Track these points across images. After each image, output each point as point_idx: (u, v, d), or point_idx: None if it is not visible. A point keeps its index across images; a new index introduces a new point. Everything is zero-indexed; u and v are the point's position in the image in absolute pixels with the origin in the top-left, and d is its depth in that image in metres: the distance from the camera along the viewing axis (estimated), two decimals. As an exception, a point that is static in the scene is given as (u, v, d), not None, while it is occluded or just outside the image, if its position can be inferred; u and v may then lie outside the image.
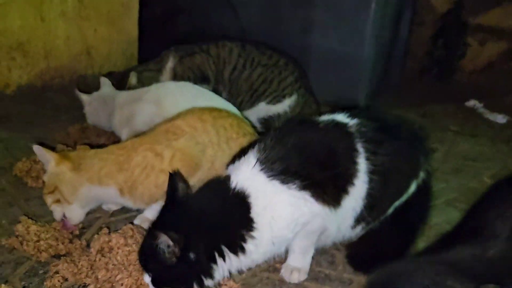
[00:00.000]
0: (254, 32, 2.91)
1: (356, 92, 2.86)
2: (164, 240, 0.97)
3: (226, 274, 1.08)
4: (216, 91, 2.25)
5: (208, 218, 1.06)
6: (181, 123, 1.39)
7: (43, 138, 1.87)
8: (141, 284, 1.08)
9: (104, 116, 1.95)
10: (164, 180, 1.22)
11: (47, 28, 2.44)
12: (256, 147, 1.14)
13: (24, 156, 1.68)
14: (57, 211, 1.31)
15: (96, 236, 1.23)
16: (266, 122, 2.22)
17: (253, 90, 2.19)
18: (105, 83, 2.02)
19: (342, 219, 1.17)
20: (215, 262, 1.04)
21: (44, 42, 2.46)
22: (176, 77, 2.27)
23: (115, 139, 1.96)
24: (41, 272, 1.15)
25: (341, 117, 1.24)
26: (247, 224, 1.05)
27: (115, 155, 1.31)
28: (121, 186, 1.29)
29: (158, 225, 1.06)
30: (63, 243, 1.22)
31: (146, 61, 2.40)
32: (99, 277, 1.10)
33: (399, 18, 3.38)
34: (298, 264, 1.20)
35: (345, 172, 1.14)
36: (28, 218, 1.31)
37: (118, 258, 1.14)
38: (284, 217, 1.08)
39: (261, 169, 1.09)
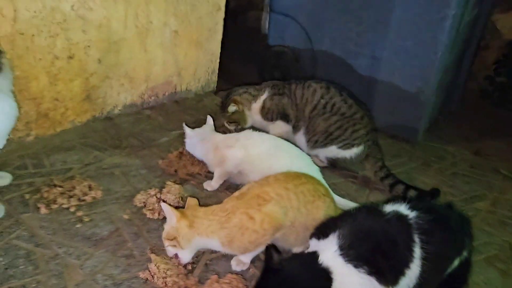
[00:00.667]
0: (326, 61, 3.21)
1: (417, 125, 3.10)
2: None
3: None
4: (296, 127, 2.62)
5: (299, 285, 1.42)
6: (269, 190, 1.74)
7: (149, 166, 2.34)
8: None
9: (200, 151, 2.34)
10: (255, 238, 1.66)
11: (149, 57, 2.84)
12: (337, 233, 1.47)
13: (139, 183, 2.15)
14: (171, 251, 1.73)
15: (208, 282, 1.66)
16: (333, 161, 2.59)
17: (328, 133, 2.51)
18: (209, 122, 2.40)
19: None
20: None
21: (145, 69, 2.86)
22: (263, 108, 2.69)
23: (206, 170, 2.38)
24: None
25: (403, 209, 1.55)
26: None
27: (219, 217, 1.69)
28: (222, 240, 1.69)
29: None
30: (182, 280, 1.65)
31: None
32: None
33: (466, 48, 3.49)
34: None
35: (404, 258, 1.47)
36: (152, 252, 1.76)
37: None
38: None
39: (340, 254, 1.43)
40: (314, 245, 1.54)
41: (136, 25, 2.66)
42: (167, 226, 1.73)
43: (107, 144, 2.52)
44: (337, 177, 2.55)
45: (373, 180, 2.55)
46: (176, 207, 1.75)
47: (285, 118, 2.64)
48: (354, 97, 2.56)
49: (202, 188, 2.26)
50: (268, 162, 2.11)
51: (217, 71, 3.46)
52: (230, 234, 1.68)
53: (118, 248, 1.79)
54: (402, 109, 3.05)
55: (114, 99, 2.77)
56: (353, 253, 1.42)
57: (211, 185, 2.26)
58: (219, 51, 3.38)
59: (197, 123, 2.49)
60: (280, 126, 2.67)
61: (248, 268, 1.77)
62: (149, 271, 1.68)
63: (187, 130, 2.34)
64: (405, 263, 1.47)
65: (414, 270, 1.48)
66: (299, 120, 2.61)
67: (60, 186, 2.06)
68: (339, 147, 2.52)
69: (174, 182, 2.25)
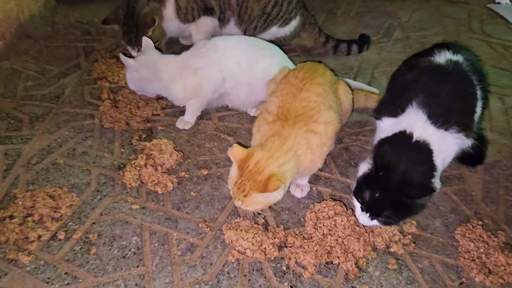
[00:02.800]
0: None
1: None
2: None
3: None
4: (223, 19, 2.17)
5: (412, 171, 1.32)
6: (309, 95, 1.46)
7: (87, 132, 1.70)
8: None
9: (154, 85, 1.79)
10: (325, 150, 1.45)
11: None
12: (416, 103, 1.36)
13: (102, 160, 1.57)
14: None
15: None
16: (272, 42, 2.28)
17: (267, 14, 2.16)
18: (148, 43, 1.79)
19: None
20: None
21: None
22: (179, 9, 2.09)
23: (159, 106, 1.88)
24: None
25: (453, 56, 1.49)
26: (434, 165, 1.35)
27: (287, 148, 1.37)
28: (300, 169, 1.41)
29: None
30: (269, 237, 1.37)
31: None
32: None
33: None
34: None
35: (473, 104, 1.47)
36: (207, 226, 1.39)
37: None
38: (451, 154, 1.41)
39: (431, 123, 1.35)
40: (392, 123, 1.41)
41: None
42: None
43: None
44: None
45: (311, 47, 2.41)
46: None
47: (208, 11, 2.14)
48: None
49: (178, 130, 1.79)
50: (251, 69, 1.74)
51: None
52: (305, 158, 1.41)
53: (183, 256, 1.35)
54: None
55: None
56: (440, 118, 1.36)
57: (187, 121, 1.80)
58: None
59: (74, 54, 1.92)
60: (206, 23, 2.16)
61: (311, 189, 1.57)
62: (237, 251, 1.33)
63: (129, 61, 1.72)
64: (474, 107, 1.48)
65: (478, 112, 1.52)
66: (224, 11, 2.16)
67: (11, 216, 1.36)
68: (279, 26, 2.23)
69: (139, 138, 1.72)
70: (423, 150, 1.33)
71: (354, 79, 2.16)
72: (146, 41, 1.80)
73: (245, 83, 1.75)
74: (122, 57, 1.74)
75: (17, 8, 2.18)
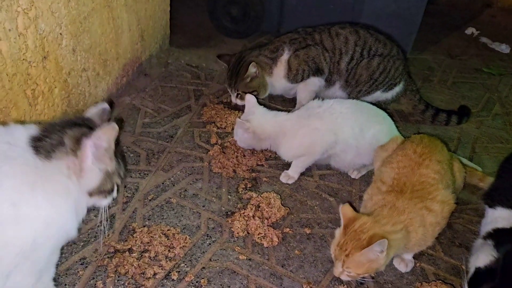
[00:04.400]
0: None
1: (407, 44, 2.93)
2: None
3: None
4: (329, 81, 2.25)
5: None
6: (428, 172, 1.47)
7: (198, 175, 1.81)
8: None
9: (263, 142, 1.89)
10: (438, 229, 1.43)
11: (117, 24, 2.05)
12: None
13: (210, 205, 1.65)
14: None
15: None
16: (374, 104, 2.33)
17: (373, 80, 2.22)
18: (250, 100, 1.90)
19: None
20: None
21: (115, 42, 2.08)
22: (290, 71, 2.21)
23: (263, 157, 1.95)
24: None
25: None
26: None
27: (401, 222, 1.38)
28: (409, 245, 1.41)
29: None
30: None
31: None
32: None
33: None
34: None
35: None
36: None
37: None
38: None
39: None
40: (509, 215, 1.38)
41: (98, -15, 1.84)
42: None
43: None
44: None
45: (408, 112, 2.42)
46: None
47: (318, 72, 2.23)
48: (377, 30, 2.28)
49: (281, 183, 1.85)
50: (362, 134, 1.78)
51: (169, 23, 2.74)
52: (416, 236, 1.40)
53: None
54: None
55: (93, 95, 1.99)
56: None
57: (291, 176, 1.86)
58: (168, -2, 2.65)
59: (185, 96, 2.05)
60: (314, 84, 2.25)
61: (414, 264, 1.54)
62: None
63: (245, 124, 1.82)
64: None
65: None
66: (332, 74, 2.24)
67: (130, 250, 1.46)
68: (383, 91, 2.28)
69: (245, 187, 1.79)
70: None
71: (455, 152, 2.14)
72: (249, 98, 1.90)
73: (354, 146, 1.79)
74: (239, 121, 1.85)
75: (142, 48, 2.39)
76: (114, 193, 1.22)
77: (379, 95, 2.29)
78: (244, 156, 1.94)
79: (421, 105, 2.36)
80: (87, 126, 1.14)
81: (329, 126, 1.77)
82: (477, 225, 1.72)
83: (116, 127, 1.10)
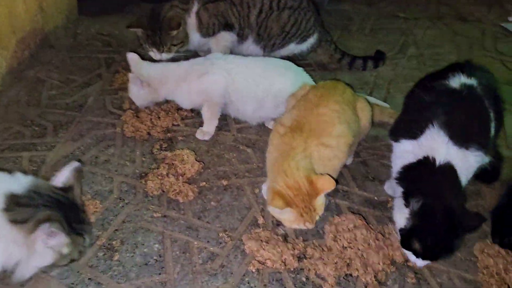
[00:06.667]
0: None
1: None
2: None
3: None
4: (241, 36, 2.22)
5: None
6: (325, 111, 1.50)
7: (110, 140, 1.75)
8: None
9: (163, 92, 1.87)
10: (338, 163, 1.49)
11: None
12: (436, 125, 1.37)
13: (123, 168, 1.61)
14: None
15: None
16: (289, 59, 2.32)
17: (286, 33, 2.21)
18: (134, 58, 1.84)
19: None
20: None
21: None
22: (201, 24, 2.17)
23: (179, 117, 1.92)
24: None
25: (467, 80, 1.52)
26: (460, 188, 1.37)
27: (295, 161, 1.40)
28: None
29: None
30: (290, 248, 1.38)
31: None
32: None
33: None
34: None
35: (488, 125, 1.49)
36: (228, 236, 1.41)
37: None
38: (472, 172, 1.42)
39: (454, 144, 1.36)
40: (413, 146, 1.42)
41: None
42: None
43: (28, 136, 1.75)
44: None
45: (326, 62, 2.45)
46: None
47: (228, 27, 2.19)
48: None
49: (197, 140, 1.82)
50: (261, 87, 1.79)
51: None
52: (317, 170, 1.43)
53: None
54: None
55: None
56: (460, 138, 1.38)
57: (206, 131, 1.83)
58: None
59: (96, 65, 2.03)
60: (225, 38, 2.21)
61: (329, 201, 1.58)
62: (257, 261, 1.35)
63: (137, 78, 1.81)
64: (489, 128, 1.50)
65: (492, 131, 1.53)
66: (243, 28, 2.21)
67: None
68: (297, 43, 2.28)
69: (160, 147, 1.76)
70: (450, 175, 1.34)
71: (370, 94, 2.19)
72: (131, 56, 1.84)
73: (252, 97, 1.80)
74: (131, 75, 1.83)
75: (43, 20, 2.24)
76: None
77: (293, 48, 2.29)
78: (159, 118, 1.89)
79: (337, 54, 2.39)
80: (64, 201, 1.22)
81: (223, 74, 1.78)
82: (390, 159, 1.79)
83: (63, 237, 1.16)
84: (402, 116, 1.64)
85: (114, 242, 1.37)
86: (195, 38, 2.20)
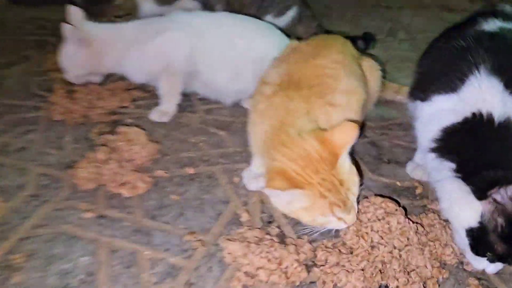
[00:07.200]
0: None
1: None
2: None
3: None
4: (206, 5, 1.83)
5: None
6: (325, 62, 1.11)
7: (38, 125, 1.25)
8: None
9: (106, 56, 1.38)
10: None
11: None
12: (484, 69, 1.00)
13: (49, 157, 1.12)
14: None
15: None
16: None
17: (259, 2, 1.84)
18: (76, 12, 1.35)
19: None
20: None
21: None
22: None
23: (127, 97, 1.46)
24: None
25: (503, 24, 1.16)
26: None
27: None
28: None
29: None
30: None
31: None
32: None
33: None
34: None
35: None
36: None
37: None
38: None
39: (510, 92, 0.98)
40: (453, 101, 1.02)
41: None
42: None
43: None
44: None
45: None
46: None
47: (192, -7, 1.79)
48: None
49: (153, 123, 1.36)
50: (237, 47, 1.37)
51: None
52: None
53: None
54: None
55: None
56: None
57: (164, 111, 1.38)
58: None
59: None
60: (187, 8, 1.80)
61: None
62: (243, 273, 0.87)
63: (76, 30, 1.32)
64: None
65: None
66: None
67: None
68: (274, 15, 1.91)
69: (100, 132, 1.28)
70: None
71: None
72: (74, 10, 1.34)
73: (227, 62, 1.37)
74: (67, 27, 1.33)
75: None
76: None
77: (270, 21, 1.91)
78: (102, 98, 1.42)
79: (321, 33, 2.03)
80: None
81: (187, 31, 1.35)
82: (404, 138, 1.39)
83: None
84: (425, 72, 1.24)
85: (15, 257, 0.87)
86: (147, 7, 1.77)
